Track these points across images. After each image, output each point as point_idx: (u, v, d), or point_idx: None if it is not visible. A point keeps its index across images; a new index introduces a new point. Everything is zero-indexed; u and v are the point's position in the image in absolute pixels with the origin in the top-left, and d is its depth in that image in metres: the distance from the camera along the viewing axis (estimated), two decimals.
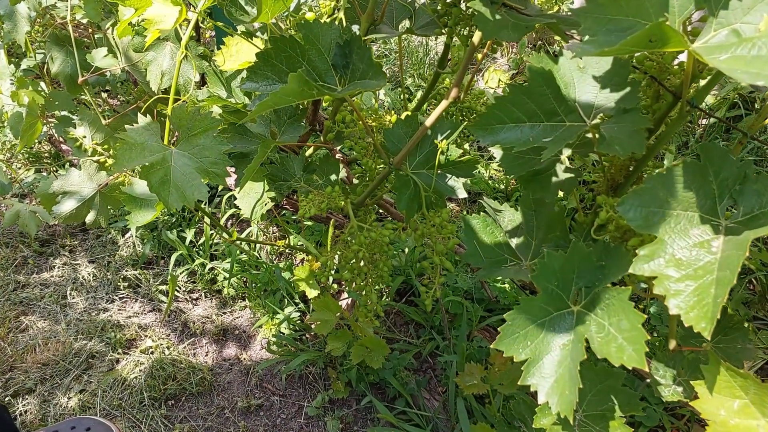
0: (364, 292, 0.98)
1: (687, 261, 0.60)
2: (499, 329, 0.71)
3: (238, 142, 1.02)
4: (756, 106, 2.45)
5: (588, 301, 0.72)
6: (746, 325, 0.89)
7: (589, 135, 0.70)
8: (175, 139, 0.96)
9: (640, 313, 0.63)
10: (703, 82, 0.70)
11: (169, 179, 0.90)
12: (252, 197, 1.49)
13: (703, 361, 0.87)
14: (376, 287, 1.01)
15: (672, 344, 0.90)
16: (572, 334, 0.71)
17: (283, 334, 1.74)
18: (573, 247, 0.73)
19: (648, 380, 1.06)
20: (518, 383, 0.71)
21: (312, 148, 1.19)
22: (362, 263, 0.97)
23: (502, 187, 2.34)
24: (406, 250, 1.86)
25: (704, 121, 2.49)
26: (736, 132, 2.34)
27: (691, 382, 0.70)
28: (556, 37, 3.25)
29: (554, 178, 0.88)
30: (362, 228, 0.96)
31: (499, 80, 3.33)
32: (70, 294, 1.95)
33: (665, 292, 0.59)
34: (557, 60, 0.72)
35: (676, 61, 0.74)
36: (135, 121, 1.80)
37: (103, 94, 2.97)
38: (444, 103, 0.86)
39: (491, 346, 0.71)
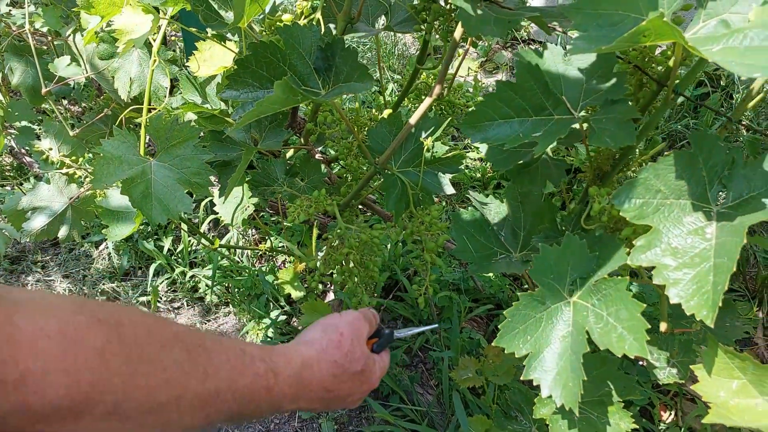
0: (355, 293, 0.98)
1: (683, 249, 0.61)
2: (499, 326, 0.72)
3: (219, 150, 1.00)
4: (722, 83, 2.51)
5: (584, 292, 0.73)
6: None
7: (577, 126, 0.71)
8: (152, 150, 0.93)
9: (639, 302, 0.64)
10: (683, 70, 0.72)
11: (150, 192, 0.89)
12: (232, 203, 1.46)
13: (696, 341, 0.89)
14: (367, 287, 1.01)
15: (663, 326, 0.91)
16: (571, 326, 0.72)
17: (271, 338, 1.72)
18: (567, 239, 0.73)
19: (642, 363, 1.08)
20: (521, 378, 0.71)
21: (292, 150, 1.17)
22: (352, 265, 0.97)
23: (479, 175, 2.36)
24: (389, 246, 1.86)
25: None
26: (704, 109, 2.39)
27: (690, 366, 0.71)
28: (524, 22, 3.27)
29: (541, 170, 0.89)
30: (350, 230, 0.96)
31: (468, 68, 3.35)
32: None
33: (664, 282, 0.59)
34: (542, 54, 0.73)
35: (657, 51, 0.75)
36: (103, 130, 1.75)
37: (63, 101, 2.88)
38: (428, 101, 0.86)
39: (493, 344, 0.71)
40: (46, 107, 2.94)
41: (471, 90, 1.30)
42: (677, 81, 0.69)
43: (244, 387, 0.51)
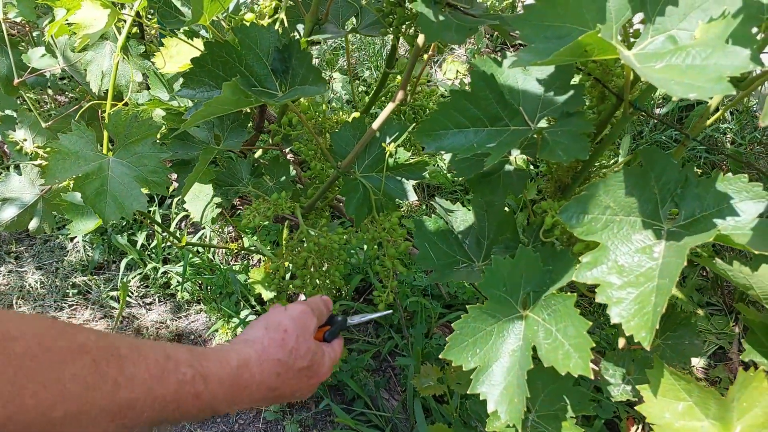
0: None
1: (629, 267, 0.60)
2: (447, 339, 0.70)
3: (180, 148, 0.98)
4: None
5: (536, 306, 0.71)
6: (698, 314, 0.90)
7: (536, 137, 0.69)
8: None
9: (585, 320, 0.63)
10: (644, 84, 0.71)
11: (105, 190, 0.86)
12: (202, 200, 1.44)
13: (652, 360, 0.88)
14: (330, 292, 0.99)
15: (621, 343, 0.90)
16: (521, 340, 0.71)
17: None
18: (520, 252, 0.72)
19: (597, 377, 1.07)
20: (467, 391, 0.70)
21: (261, 150, 1.16)
22: (312, 269, 0.95)
23: (461, 179, 2.35)
24: (365, 247, 1.85)
25: (659, 110, 2.53)
26: (689, 120, 2.39)
27: (637, 386, 0.70)
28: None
29: (503, 180, 0.88)
30: (310, 234, 0.94)
31: (457, 71, 3.33)
32: (16, 303, 1.87)
33: (607, 301, 0.58)
34: (501, 63, 0.71)
35: (619, 63, 0.74)
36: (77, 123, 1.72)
37: (49, 90, 2.85)
38: (390, 106, 0.85)
39: (441, 356, 0.70)
40: (31, 96, 2.91)
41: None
42: (637, 94, 0.68)
43: (165, 395, 0.48)
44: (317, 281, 0.96)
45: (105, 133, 0.93)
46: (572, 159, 0.64)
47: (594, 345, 0.62)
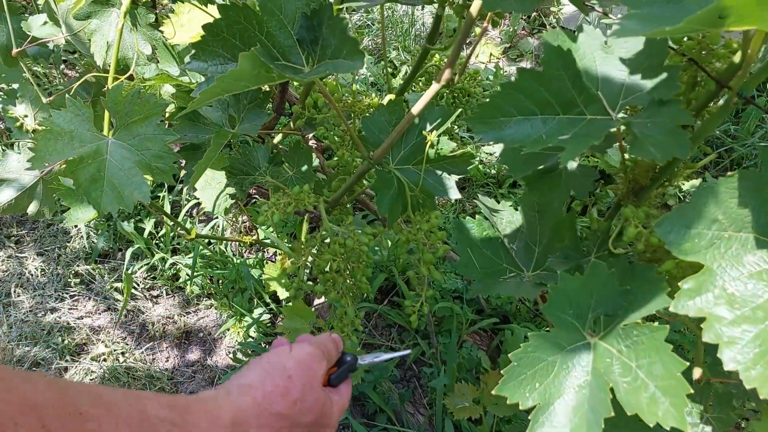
0: (339, 303, 0.87)
1: (742, 297, 0.49)
2: (502, 372, 0.60)
3: (189, 130, 0.89)
4: None
5: (609, 333, 0.62)
6: None
7: (614, 131, 0.59)
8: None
9: (680, 359, 0.52)
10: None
11: (102, 176, 0.78)
12: (214, 188, 1.36)
13: (737, 394, 0.77)
14: (354, 298, 0.90)
15: (697, 373, 0.79)
16: (590, 374, 0.61)
17: (253, 338, 1.62)
18: (592, 268, 0.62)
19: None
20: None
21: (281, 135, 1.06)
22: (336, 273, 0.86)
23: (493, 172, 2.23)
24: (389, 243, 1.75)
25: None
26: (746, 114, 2.24)
27: None
28: (553, 8, 3.12)
29: (565, 178, 0.77)
30: (337, 233, 0.84)
31: (491, 54, 3.20)
32: (14, 291, 1.81)
33: (717, 340, 0.48)
34: (576, 38, 0.61)
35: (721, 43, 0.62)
36: (85, 99, 1.63)
37: (60, 64, 2.79)
38: (435, 87, 0.74)
39: (494, 392, 0.60)
40: (38, 69, 2.85)
41: (491, 78, 1.18)
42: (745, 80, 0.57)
43: None
44: (341, 286, 0.87)
45: (106, 112, 0.84)
46: (668, 158, 0.53)
47: (691, 391, 0.51)
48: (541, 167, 0.76)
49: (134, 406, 0.40)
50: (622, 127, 0.55)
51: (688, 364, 0.52)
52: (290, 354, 0.56)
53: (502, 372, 0.60)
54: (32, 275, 1.86)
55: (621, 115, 0.60)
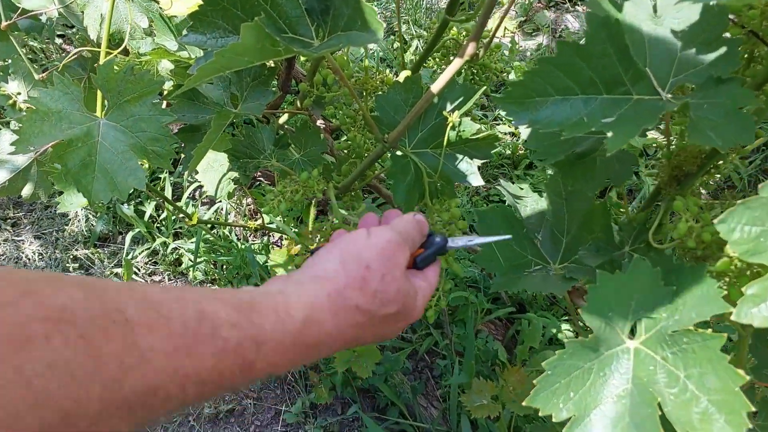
0: None
1: None
2: (534, 381, 0.55)
3: (188, 110, 0.83)
4: None
5: (652, 337, 0.56)
6: None
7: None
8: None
9: (739, 371, 0.47)
10: None
11: (93, 161, 0.73)
12: (216, 171, 1.31)
13: None
14: None
15: None
16: (630, 382, 0.56)
17: None
18: (635, 265, 0.57)
19: None
20: None
21: (287, 115, 1.00)
22: None
23: (509, 152, 2.17)
24: None
25: None
26: None
27: None
28: None
29: (600, 164, 0.71)
30: (349, 222, 0.79)
31: (505, 28, 3.11)
32: None
33: None
34: (621, 6, 0.54)
35: None
36: (81, 75, 1.57)
37: (58, 39, 2.72)
38: (457, 62, 0.68)
39: (525, 403, 0.55)
40: (35, 44, 2.79)
41: (506, 53, 1.12)
42: None
43: (200, 372, 0.35)
44: None
45: (99, 91, 0.78)
46: (730, 144, 0.47)
47: (752, 408, 0.46)
48: (573, 151, 0.70)
49: (189, 308, 0.35)
50: (681, 112, 0.49)
51: (747, 378, 0.47)
52: (368, 240, 0.50)
53: (534, 383, 0.55)
54: (29, 259, 1.83)
55: (670, 95, 0.54)
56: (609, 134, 0.64)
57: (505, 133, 2.23)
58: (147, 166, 0.86)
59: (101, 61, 0.84)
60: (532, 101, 0.53)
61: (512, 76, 1.79)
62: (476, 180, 0.78)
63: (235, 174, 1.15)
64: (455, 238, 0.62)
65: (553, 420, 0.55)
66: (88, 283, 0.32)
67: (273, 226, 1.64)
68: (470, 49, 0.67)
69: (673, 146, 0.63)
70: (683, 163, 0.65)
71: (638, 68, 0.53)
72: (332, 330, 0.44)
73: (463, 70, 1.02)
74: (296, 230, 1.61)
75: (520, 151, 2.15)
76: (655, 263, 0.57)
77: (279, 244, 1.81)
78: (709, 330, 0.51)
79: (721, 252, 0.56)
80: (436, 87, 0.70)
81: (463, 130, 0.76)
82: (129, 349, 0.31)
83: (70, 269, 1.80)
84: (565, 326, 1.49)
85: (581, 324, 1.34)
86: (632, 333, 0.58)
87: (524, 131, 0.74)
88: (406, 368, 1.43)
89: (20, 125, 0.72)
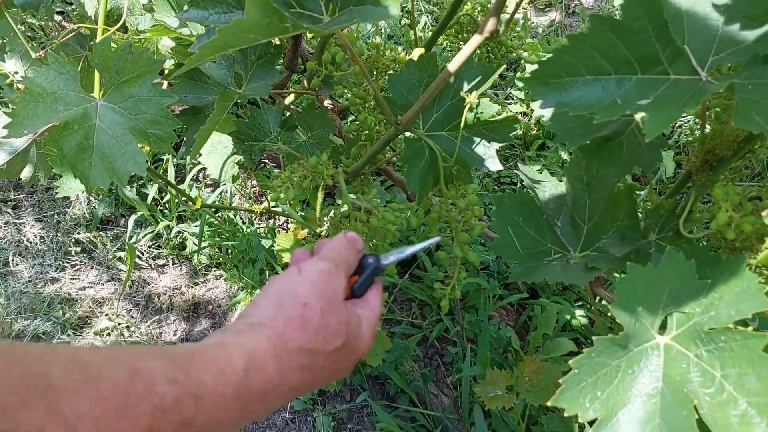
0: None
1: None
2: (560, 381, 0.53)
3: (190, 91, 0.80)
4: None
5: (684, 333, 0.54)
6: None
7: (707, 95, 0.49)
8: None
9: None
10: None
11: (91, 144, 0.70)
12: (220, 153, 1.28)
13: None
14: None
15: None
16: (660, 380, 0.53)
17: None
18: (668, 257, 0.54)
19: None
20: None
21: (293, 95, 0.97)
22: None
23: (520, 132, 2.12)
24: (408, 213, 1.66)
25: None
26: None
27: None
28: None
29: (627, 149, 0.68)
30: (359, 208, 0.76)
31: (516, 3, 3.03)
32: (12, 260, 1.75)
33: None
34: None
35: None
36: (79, 54, 1.53)
37: (57, 16, 2.67)
38: (476, 39, 0.64)
39: (550, 403, 0.53)
40: (33, 22, 2.74)
41: (518, 30, 1.07)
42: None
43: None
44: None
45: (97, 73, 0.75)
46: None
47: None
48: (599, 135, 0.67)
49: (121, 367, 0.33)
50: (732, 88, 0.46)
51: None
52: (300, 276, 0.47)
53: (560, 381, 0.53)
54: (31, 243, 1.81)
55: (708, 76, 0.50)
56: (639, 116, 0.60)
57: (517, 113, 2.19)
58: (148, 149, 0.83)
59: (98, 38, 0.81)
60: (560, 81, 0.50)
61: (525, 55, 1.74)
62: (494, 165, 0.75)
63: (239, 157, 1.12)
64: (387, 254, 0.58)
65: (579, 420, 0.53)
66: (6, 349, 0.29)
67: (279, 209, 1.61)
68: (490, 25, 0.63)
69: (708, 129, 0.60)
70: (718, 148, 0.61)
71: (676, 46, 0.49)
72: (276, 376, 0.42)
73: (477, 49, 0.99)
74: (303, 214, 1.58)
75: (533, 132, 2.10)
76: (688, 255, 0.54)
77: (285, 227, 1.78)
78: (750, 328, 0.48)
79: (761, 243, 0.53)
80: (453, 65, 0.66)
81: (482, 112, 0.73)
82: (51, 417, 0.28)
83: (73, 253, 1.78)
84: (579, 312, 1.46)
85: (599, 312, 1.31)
86: (662, 328, 0.55)
87: (546, 113, 0.70)
88: (416, 355, 1.41)
89: (13, 107, 0.69)
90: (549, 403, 0.53)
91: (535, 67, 0.51)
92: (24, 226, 1.86)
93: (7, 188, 2.00)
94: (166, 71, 1.00)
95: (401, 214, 0.76)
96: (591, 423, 0.53)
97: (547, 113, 0.70)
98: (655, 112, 0.46)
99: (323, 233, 0.81)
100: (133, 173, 0.70)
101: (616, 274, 0.72)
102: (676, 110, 0.45)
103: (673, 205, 0.70)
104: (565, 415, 0.53)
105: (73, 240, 1.81)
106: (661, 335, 0.55)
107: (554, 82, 0.50)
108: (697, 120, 0.67)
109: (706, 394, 0.50)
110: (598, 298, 0.82)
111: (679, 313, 0.54)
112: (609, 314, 1.45)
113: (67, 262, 1.76)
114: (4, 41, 1.63)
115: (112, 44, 0.72)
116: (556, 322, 1.40)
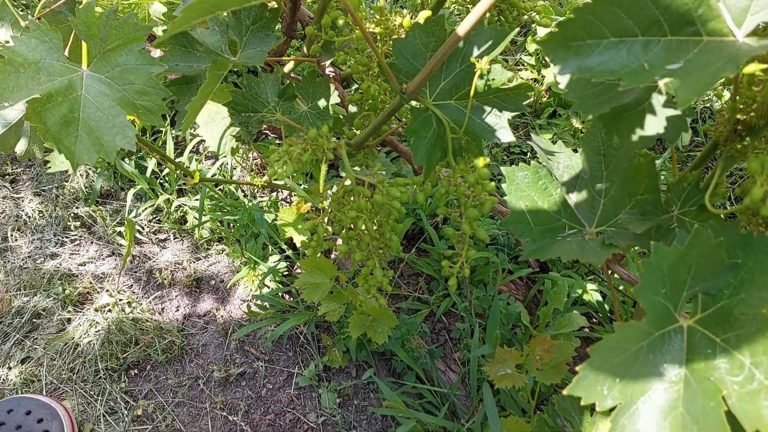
0: (366, 263, 0.77)
1: None
2: (577, 368, 0.50)
3: (181, 59, 0.76)
4: None
5: (709, 316, 0.51)
6: None
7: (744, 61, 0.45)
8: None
9: None
10: None
11: (76, 117, 0.66)
12: (218, 124, 1.24)
13: None
14: (383, 257, 0.79)
15: None
16: (683, 367, 0.50)
17: (269, 288, 1.54)
18: (695, 235, 0.50)
19: None
20: None
21: (292, 62, 0.92)
22: (363, 230, 0.75)
23: (531, 100, 2.06)
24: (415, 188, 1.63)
25: None
26: None
27: None
28: None
29: (650, 117, 0.64)
30: (362, 183, 0.73)
31: None
32: (11, 235, 1.73)
33: None
34: None
35: None
36: (70, 21, 1.49)
37: None
38: (487, 0, 0.60)
39: (565, 391, 0.50)
40: None
41: None
42: None
43: None
44: (367, 245, 0.76)
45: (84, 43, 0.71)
46: None
47: None
48: (620, 103, 0.63)
49: None
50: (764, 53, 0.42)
51: None
52: None
53: (577, 369, 0.50)
54: (29, 217, 1.79)
55: (746, 38, 0.46)
56: (663, 83, 0.56)
57: (528, 80, 2.12)
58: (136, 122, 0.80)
59: (83, 2, 0.76)
60: (582, 44, 0.45)
61: (537, 18, 1.68)
62: (506, 135, 0.71)
63: (238, 129, 1.08)
64: None
65: (597, 410, 0.50)
66: None
67: (281, 182, 1.58)
68: None
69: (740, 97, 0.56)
70: (754, 117, 0.57)
71: (710, 3, 0.45)
72: None
73: (488, 12, 0.94)
74: (306, 187, 1.55)
75: (543, 99, 2.05)
76: (716, 233, 0.50)
77: (288, 201, 1.75)
78: None
79: None
80: (462, 29, 0.62)
81: (493, 79, 0.68)
82: None
83: (72, 227, 1.76)
84: (590, 286, 1.44)
85: (615, 287, 1.28)
86: (686, 310, 0.52)
87: (562, 80, 0.66)
88: (423, 331, 1.38)
89: None
90: (565, 392, 0.50)
91: (551, 29, 0.47)
92: (22, 201, 1.83)
93: (5, 162, 1.97)
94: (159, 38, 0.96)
95: (407, 189, 0.73)
96: (610, 411, 0.51)
97: (563, 80, 0.66)
98: (688, 78, 0.42)
99: (326, 208, 0.78)
100: (121, 148, 0.66)
101: (635, 251, 0.68)
102: (710, 77, 0.41)
103: (698, 178, 0.66)
104: (582, 404, 0.50)
105: (72, 214, 1.78)
106: (685, 318, 0.52)
107: (575, 45, 0.46)
108: (722, 86, 0.62)
109: (735, 383, 0.47)
110: (612, 273, 0.79)
111: (705, 295, 0.51)
112: (621, 288, 1.42)
113: (66, 237, 1.74)
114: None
115: (97, 8, 0.68)
116: (567, 297, 1.38)
